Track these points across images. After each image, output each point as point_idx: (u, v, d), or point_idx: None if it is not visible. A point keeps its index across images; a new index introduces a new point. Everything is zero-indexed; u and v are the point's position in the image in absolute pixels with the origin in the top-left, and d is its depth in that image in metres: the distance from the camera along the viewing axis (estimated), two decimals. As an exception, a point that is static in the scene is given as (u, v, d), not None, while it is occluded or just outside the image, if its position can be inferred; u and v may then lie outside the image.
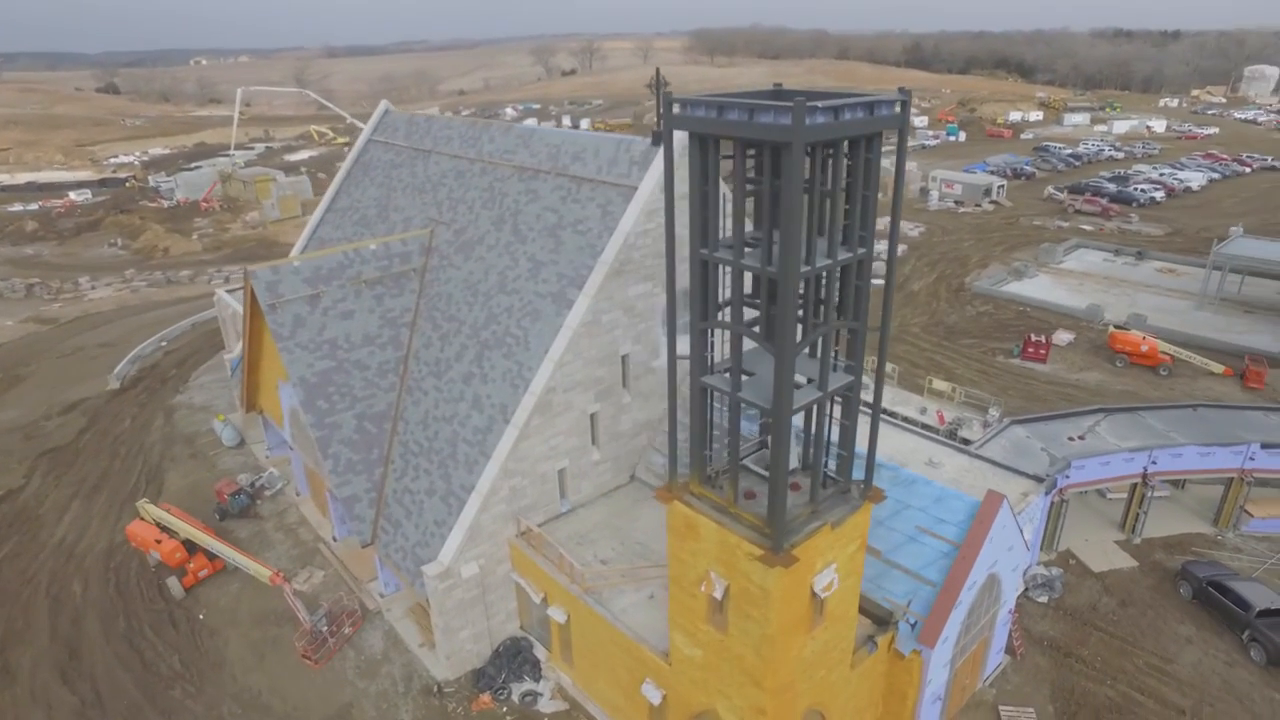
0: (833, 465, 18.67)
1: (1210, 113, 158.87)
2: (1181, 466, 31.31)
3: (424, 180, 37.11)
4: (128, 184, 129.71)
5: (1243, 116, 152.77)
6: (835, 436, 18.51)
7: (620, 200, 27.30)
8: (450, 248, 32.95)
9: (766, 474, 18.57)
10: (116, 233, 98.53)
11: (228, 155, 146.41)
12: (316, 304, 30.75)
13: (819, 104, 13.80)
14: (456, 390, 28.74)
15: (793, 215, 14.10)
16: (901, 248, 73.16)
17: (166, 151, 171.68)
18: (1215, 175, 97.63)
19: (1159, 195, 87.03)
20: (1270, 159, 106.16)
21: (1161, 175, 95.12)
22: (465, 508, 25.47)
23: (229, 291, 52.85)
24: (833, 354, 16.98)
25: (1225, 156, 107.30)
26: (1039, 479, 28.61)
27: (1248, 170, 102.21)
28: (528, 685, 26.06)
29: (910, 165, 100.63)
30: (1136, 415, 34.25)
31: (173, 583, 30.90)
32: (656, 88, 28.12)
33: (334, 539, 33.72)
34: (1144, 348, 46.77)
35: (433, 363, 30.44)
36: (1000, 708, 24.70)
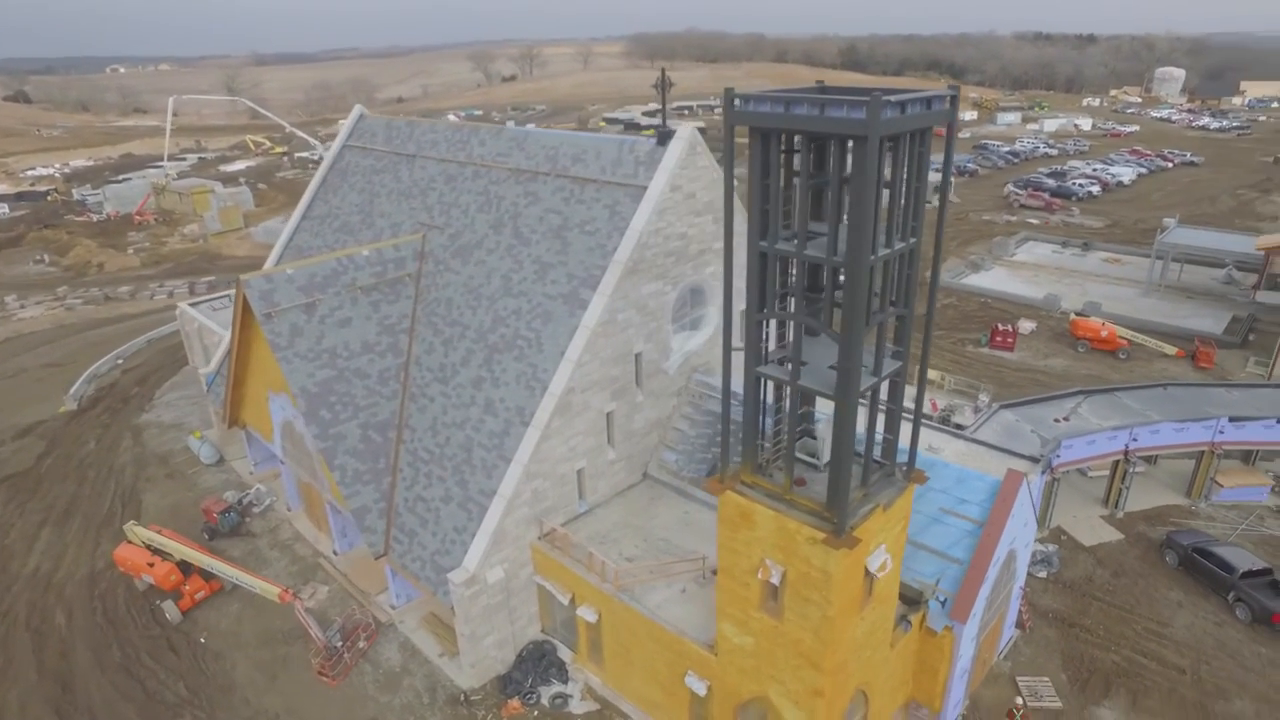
0: (875, 450, 19.17)
1: (1130, 111, 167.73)
2: (1159, 442, 33.08)
3: (410, 185, 36.53)
4: (49, 197, 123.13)
5: (1158, 115, 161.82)
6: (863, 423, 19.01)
7: (628, 200, 27.44)
8: (446, 252, 32.53)
9: (811, 461, 19.09)
10: (41, 248, 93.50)
11: (159, 166, 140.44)
12: (313, 312, 29.98)
13: (890, 99, 14.24)
14: (466, 395, 28.39)
15: (865, 207, 14.53)
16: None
17: (90, 163, 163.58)
18: (1143, 170, 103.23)
19: (1095, 189, 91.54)
20: (1189, 154, 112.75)
21: (1095, 171, 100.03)
22: (488, 512, 25.20)
23: (192, 305, 51.07)
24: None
25: (1149, 153, 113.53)
26: (1035, 459, 29.81)
27: (1170, 165, 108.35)
28: (556, 688, 25.91)
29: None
30: (1113, 396, 36.04)
31: (169, 606, 29.64)
32: (661, 88, 28.40)
33: (335, 553, 32.85)
34: (1104, 333, 49.18)
35: (437, 368, 29.99)
36: (1017, 678, 25.68)
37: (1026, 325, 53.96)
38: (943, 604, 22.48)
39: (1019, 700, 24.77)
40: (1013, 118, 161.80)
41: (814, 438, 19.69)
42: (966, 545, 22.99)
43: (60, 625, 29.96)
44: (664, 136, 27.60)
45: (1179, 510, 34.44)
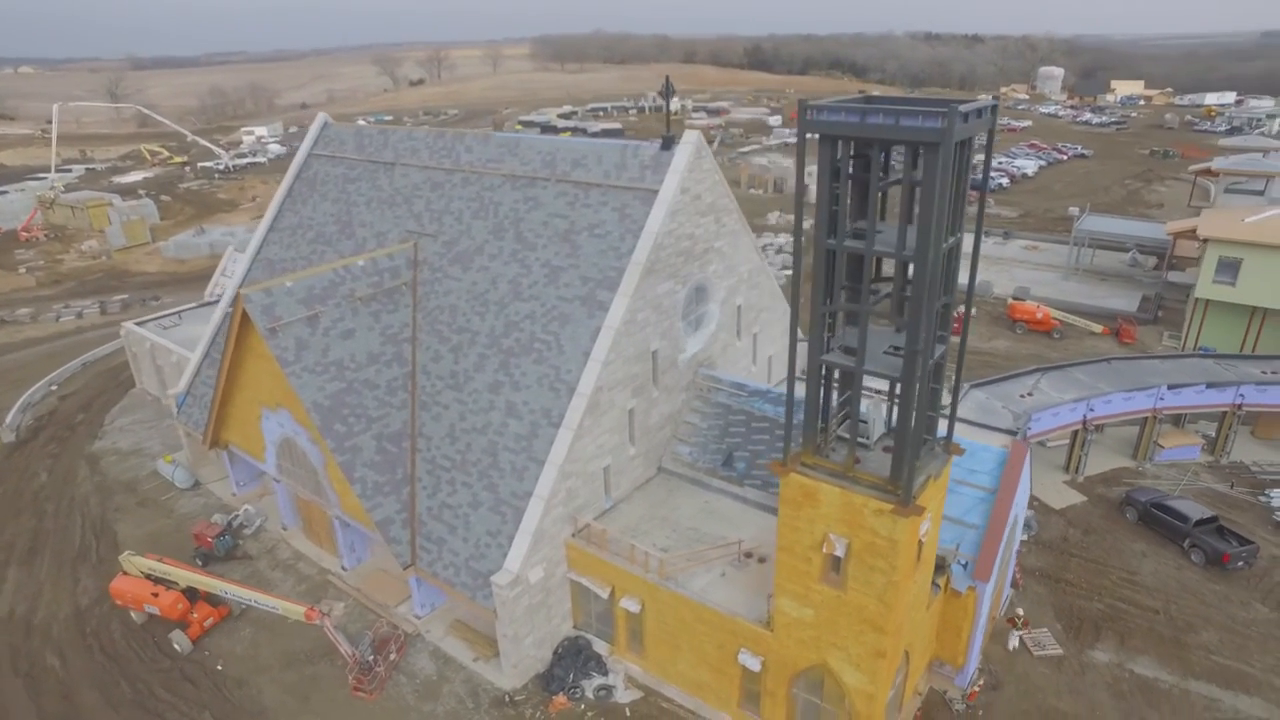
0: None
1: (1020, 108, 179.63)
2: (1111, 411, 36.49)
3: (391, 193, 36.17)
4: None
5: (1046, 111, 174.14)
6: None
7: (638, 203, 28.31)
8: (442, 259, 32.50)
9: (861, 440, 20.57)
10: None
11: (41, 178, 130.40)
12: (316, 325, 29.49)
13: (960, 109, 15.73)
14: (484, 400, 28.59)
15: (936, 206, 16.01)
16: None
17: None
18: (1043, 163, 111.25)
19: (1005, 181, 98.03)
20: (1080, 148, 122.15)
21: (1000, 164, 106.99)
22: (527, 514, 25.59)
23: (138, 324, 48.63)
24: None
25: (1045, 146, 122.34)
26: (1012, 433, 32.49)
27: (1065, 158, 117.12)
28: (598, 680, 26.54)
29: (786, 162, 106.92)
30: (1066, 371, 39.43)
31: (178, 636, 28.54)
32: (666, 93, 29.39)
33: (343, 569, 32.29)
34: (1039, 315, 53.32)
35: (447, 376, 30.01)
36: (1020, 632, 28.04)
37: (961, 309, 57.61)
38: (964, 567, 24.45)
39: (1019, 611, 27.39)
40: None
41: (861, 419, 21.15)
42: (981, 511, 25.06)
43: (55, 667, 28.36)
44: (668, 141, 28.62)
45: (1128, 472, 38.05)
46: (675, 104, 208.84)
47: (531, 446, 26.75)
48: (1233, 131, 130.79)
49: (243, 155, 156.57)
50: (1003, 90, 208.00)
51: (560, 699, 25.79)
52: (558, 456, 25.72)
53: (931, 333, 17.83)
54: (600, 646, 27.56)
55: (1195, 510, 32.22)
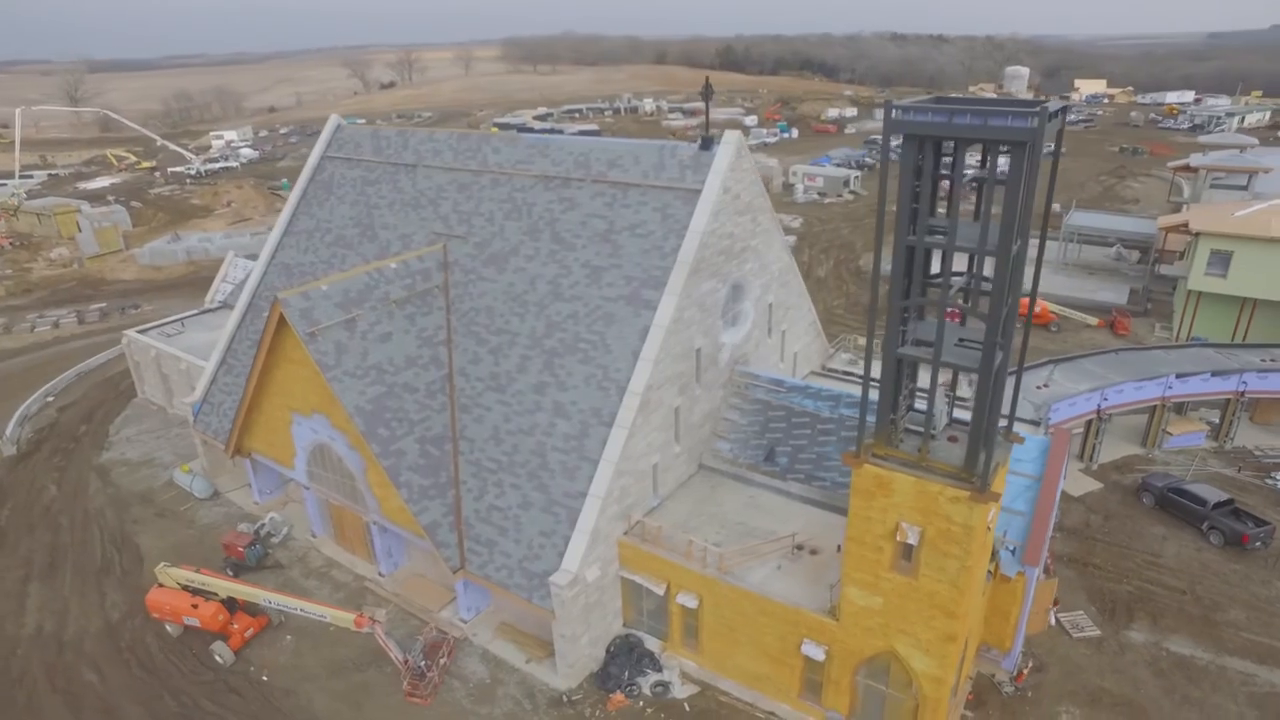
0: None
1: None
2: (1124, 400, 37.63)
3: (415, 195, 35.95)
4: None
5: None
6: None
7: (679, 203, 28.56)
8: (474, 261, 32.42)
9: (920, 430, 21.06)
10: None
11: (2, 185, 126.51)
12: (354, 329, 29.25)
13: (1048, 109, 16.23)
14: (529, 401, 28.59)
15: (1020, 203, 16.52)
16: (790, 238, 78.89)
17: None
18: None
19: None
20: (1052, 145, 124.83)
21: (978, 160, 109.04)
22: (583, 513, 25.68)
23: (140, 332, 47.65)
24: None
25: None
26: (1035, 423, 33.36)
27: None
28: (653, 677, 26.71)
29: (771, 162, 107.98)
30: (1077, 363, 40.52)
31: (219, 647, 28.08)
32: (705, 94, 29.67)
33: (380, 575, 32.01)
34: (1037, 309, 54.57)
35: (488, 378, 29.95)
36: (1058, 615, 28.81)
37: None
38: (1013, 552, 25.11)
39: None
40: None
41: (920, 411, 21.65)
42: (1027, 498, 25.75)
43: (94, 683, 27.73)
44: (707, 141, 28.92)
45: (1139, 458, 39.23)
46: (649, 104, 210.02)
47: (583, 446, 26.83)
48: (1195, 129, 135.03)
49: (214, 160, 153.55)
50: (971, 89, 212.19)
51: (618, 697, 25.91)
52: (612, 454, 25.86)
53: (1011, 325, 18.34)
54: (652, 644, 27.73)
55: (1212, 494, 33.37)
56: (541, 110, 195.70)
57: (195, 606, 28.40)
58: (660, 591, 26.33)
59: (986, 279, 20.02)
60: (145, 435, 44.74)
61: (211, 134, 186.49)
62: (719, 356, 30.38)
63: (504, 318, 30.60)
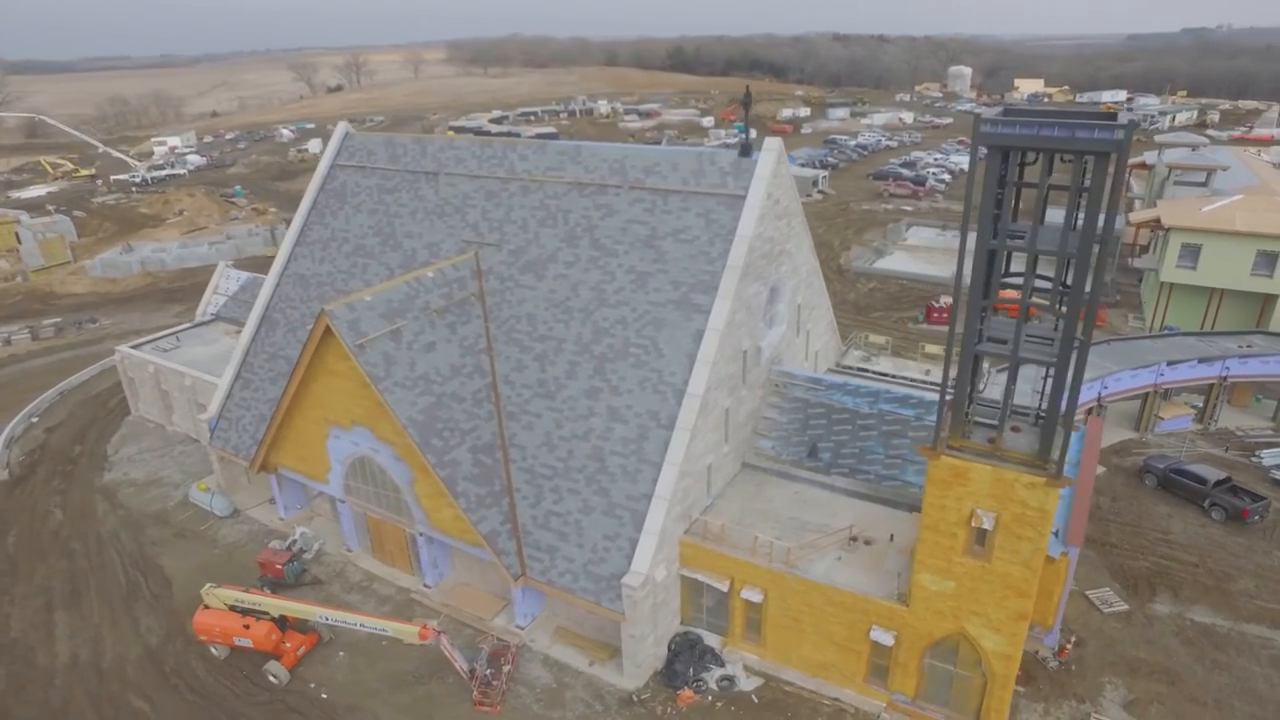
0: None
1: (937, 105, 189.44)
2: (1122, 388, 39.82)
3: (439, 203, 35.82)
4: None
5: (962, 108, 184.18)
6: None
7: (722, 208, 29.26)
8: (510, 268, 32.55)
9: (991, 422, 22.23)
10: None
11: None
12: (399, 339, 29.14)
13: (1128, 122, 17.43)
14: (582, 407, 28.91)
15: (1105, 207, 17.70)
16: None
17: None
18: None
19: (946, 177, 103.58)
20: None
21: (937, 160, 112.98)
22: (650, 514, 26.16)
23: (134, 348, 46.19)
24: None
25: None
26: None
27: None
28: (717, 672, 27.34)
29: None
30: (1074, 352, 42.59)
31: (274, 667, 27.63)
32: (745, 103, 30.41)
33: (425, 586, 31.87)
34: (1019, 301, 56.94)
35: (535, 385, 30.14)
36: (1087, 593, 30.50)
37: (946, 300, 61.07)
38: (1056, 534, 26.51)
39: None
40: (842, 113, 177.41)
41: (993, 403, 22.82)
42: (1068, 483, 27.17)
43: (145, 711, 27.00)
44: (746, 148, 29.69)
45: (1134, 442, 41.54)
46: (605, 106, 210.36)
47: (642, 449, 27.30)
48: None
49: (159, 167, 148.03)
50: (917, 88, 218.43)
51: (687, 693, 26.47)
52: (676, 456, 26.40)
53: (1091, 321, 19.57)
54: (711, 639, 28.36)
55: (1212, 473, 35.65)
56: (496, 113, 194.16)
57: (247, 627, 27.89)
58: (724, 588, 26.99)
59: (1046, 277, 21.34)
60: (147, 454, 43.36)
61: (153, 140, 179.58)
62: (760, 357, 31.20)
63: (547, 324, 30.82)
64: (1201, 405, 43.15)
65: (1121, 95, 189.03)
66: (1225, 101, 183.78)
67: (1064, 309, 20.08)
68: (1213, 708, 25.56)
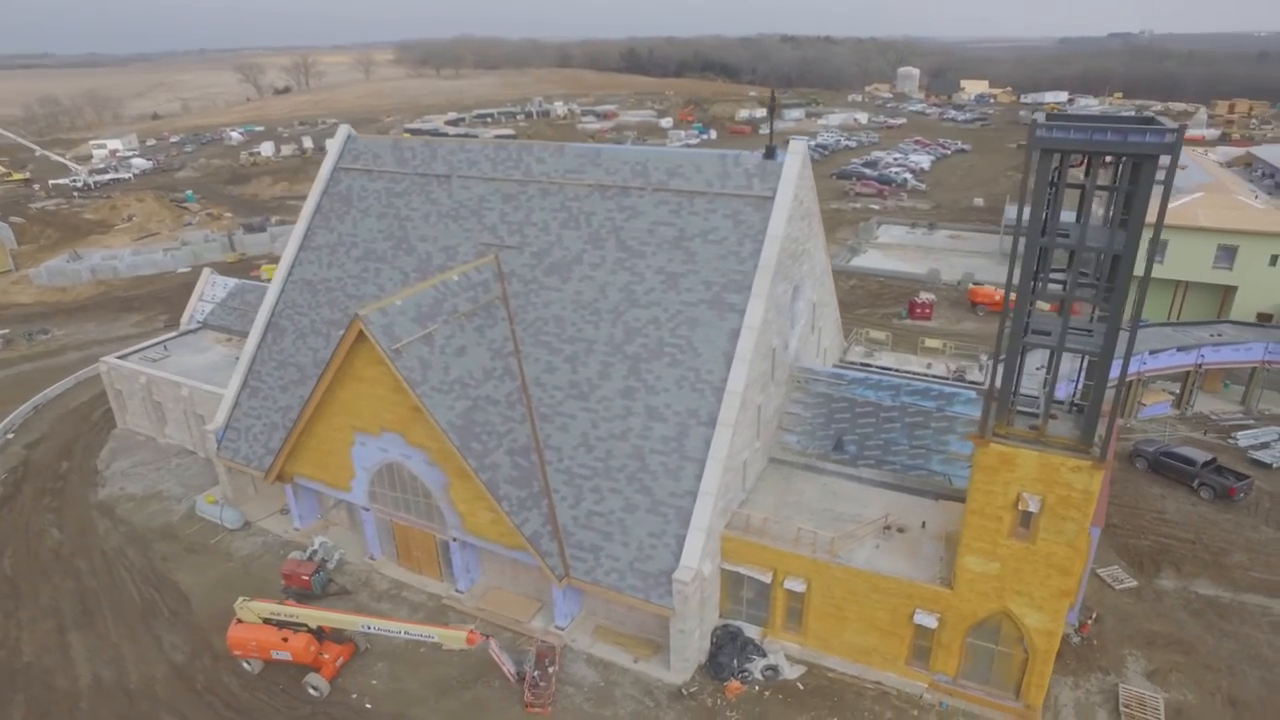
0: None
1: (889, 106, 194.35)
2: (1112, 375, 41.65)
3: (453, 206, 35.67)
4: None
5: (914, 109, 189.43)
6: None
7: (750, 209, 29.92)
8: (533, 271, 32.64)
9: (1032, 410, 23.37)
10: None
11: None
12: (432, 343, 29.02)
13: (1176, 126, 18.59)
14: (618, 407, 29.21)
15: (1146, 205, 18.86)
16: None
17: None
18: (933, 157, 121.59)
19: (908, 176, 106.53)
20: (959, 143, 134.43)
21: (896, 159, 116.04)
22: (696, 511, 26.62)
23: (120, 358, 44.68)
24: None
25: (928, 142, 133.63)
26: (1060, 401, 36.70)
27: (948, 152, 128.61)
28: (761, 662, 27.95)
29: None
30: (1062, 343, 44.52)
31: (315, 679, 27.23)
32: (770, 106, 31.06)
33: (457, 591, 31.72)
34: (997, 298, 59.17)
35: (567, 386, 30.31)
36: (1098, 571, 32.06)
37: (925, 296, 63.06)
38: (1079, 517, 27.86)
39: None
40: (798, 114, 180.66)
41: (1031, 394, 23.93)
42: (1087, 468, 28.59)
43: (183, 730, 26.35)
44: (771, 150, 30.41)
45: (1119, 427, 43.61)
46: (561, 108, 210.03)
47: (683, 446, 27.75)
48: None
49: (101, 171, 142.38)
50: (867, 89, 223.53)
51: (734, 684, 27.01)
52: (720, 453, 26.92)
53: (1137, 314, 20.74)
54: (750, 631, 28.95)
55: (1199, 455, 37.80)
56: (452, 115, 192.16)
57: (285, 640, 27.40)
58: (766, 579, 27.61)
59: (1084, 273, 22.54)
60: (142, 468, 41.98)
61: (92, 143, 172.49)
62: (787, 354, 31.95)
63: (576, 326, 31.01)
64: (1178, 392, 45.58)
65: (1063, 96, 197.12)
66: (1157, 103, 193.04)
67: (1107, 301, 21.11)
68: (1226, 673, 27.22)
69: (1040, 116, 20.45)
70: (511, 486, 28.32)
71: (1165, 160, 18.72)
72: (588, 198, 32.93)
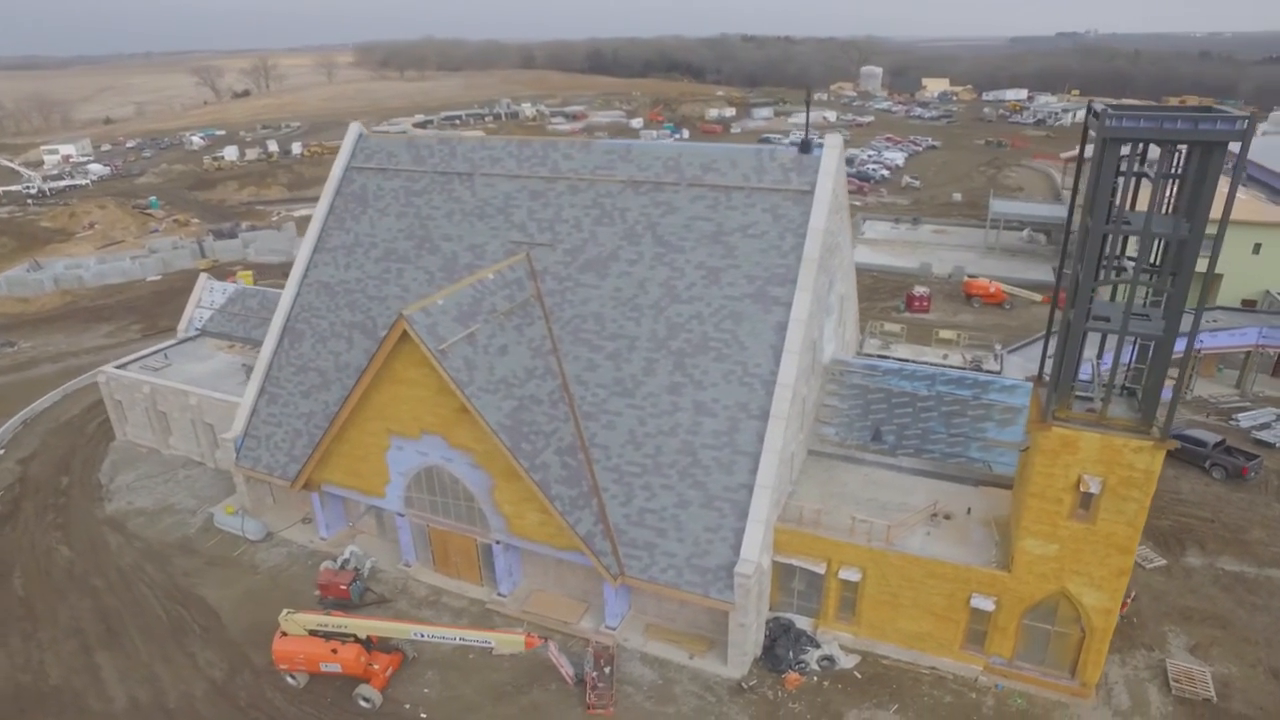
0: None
1: (855, 104, 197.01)
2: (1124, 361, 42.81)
3: (479, 204, 35.15)
4: None
5: (880, 107, 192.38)
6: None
7: (789, 204, 30.03)
8: (567, 268, 32.33)
9: (1087, 395, 23.88)
10: None
11: None
12: (475, 343, 28.56)
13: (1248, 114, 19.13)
14: (665, 403, 29.06)
15: (1213, 192, 19.39)
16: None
17: None
18: (905, 154, 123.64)
19: (885, 173, 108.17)
20: (930, 140, 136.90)
21: (870, 156, 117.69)
22: (754, 503, 26.61)
23: (119, 367, 43.16)
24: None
25: (900, 139, 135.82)
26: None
27: (920, 149, 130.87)
28: (816, 653, 28.05)
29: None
30: (1069, 331, 45.63)
31: (366, 690, 26.55)
32: (806, 105, 31.18)
33: (499, 595, 31.23)
34: (992, 290, 60.46)
35: (611, 383, 30.07)
36: (1128, 552, 32.84)
37: (921, 290, 64.08)
38: (1119, 499, 28.52)
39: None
40: (766, 112, 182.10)
41: (1087, 379, 24.44)
42: (1124, 450, 29.29)
43: (233, 748, 25.48)
44: (805, 145, 30.57)
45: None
46: (529, 109, 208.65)
47: (734, 440, 27.72)
48: (1039, 123, 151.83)
49: (56, 177, 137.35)
50: (831, 88, 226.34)
51: (793, 675, 27.07)
52: (775, 445, 26.95)
53: (1202, 300, 21.30)
54: (803, 623, 29.05)
55: (1209, 436, 39.01)
56: (419, 117, 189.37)
57: (335, 651, 26.67)
58: (820, 570, 27.73)
59: (1131, 258, 23.10)
60: (148, 480, 40.54)
61: (42, 148, 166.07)
62: (825, 346, 32.13)
63: (616, 323, 30.78)
64: (1177, 376, 46.89)
65: (1023, 93, 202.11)
66: (1111, 100, 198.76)
67: (1171, 286, 21.61)
68: (1263, 645, 28.12)
69: (1100, 106, 20.83)
70: (562, 486, 27.99)
71: (1235, 147, 19.28)
72: (620, 194, 32.71)
